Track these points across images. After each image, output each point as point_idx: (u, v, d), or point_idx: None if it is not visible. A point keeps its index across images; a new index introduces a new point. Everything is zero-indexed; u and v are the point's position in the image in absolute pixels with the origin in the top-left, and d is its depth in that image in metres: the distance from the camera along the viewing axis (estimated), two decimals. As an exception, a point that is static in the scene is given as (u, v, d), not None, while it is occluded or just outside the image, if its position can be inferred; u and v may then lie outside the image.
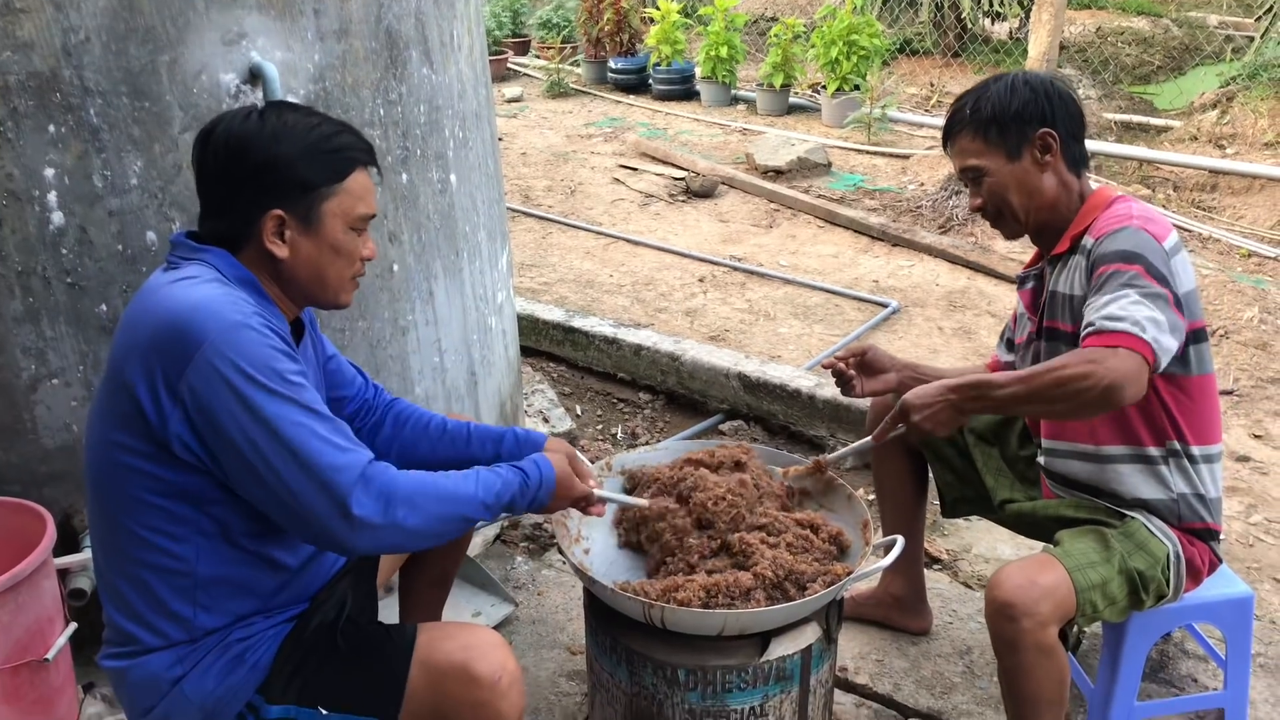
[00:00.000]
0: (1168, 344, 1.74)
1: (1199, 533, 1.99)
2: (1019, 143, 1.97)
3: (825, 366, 2.28)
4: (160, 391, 1.45)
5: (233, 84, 2.08)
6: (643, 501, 2.08)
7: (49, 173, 1.95)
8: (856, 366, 2.25)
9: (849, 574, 1.90)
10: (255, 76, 2.10)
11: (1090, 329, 1.75)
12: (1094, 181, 2.06)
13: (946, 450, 2.32)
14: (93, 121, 1.95)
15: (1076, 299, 1.94)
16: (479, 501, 1.61)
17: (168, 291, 1.49)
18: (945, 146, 2.09)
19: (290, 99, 2.15)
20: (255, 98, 2.11)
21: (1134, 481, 1.98)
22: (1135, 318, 1.72)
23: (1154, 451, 1.96)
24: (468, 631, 1.66)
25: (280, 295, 1.63)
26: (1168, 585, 1.93)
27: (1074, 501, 2.08)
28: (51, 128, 1.93)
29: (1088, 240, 1.92)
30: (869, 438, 2.10)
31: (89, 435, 1.57)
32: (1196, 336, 1.91)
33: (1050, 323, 2.04)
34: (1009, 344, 2.28)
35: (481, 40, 2.86)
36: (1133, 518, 1.97)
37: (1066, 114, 1.98)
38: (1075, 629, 1.89)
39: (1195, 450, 1.95)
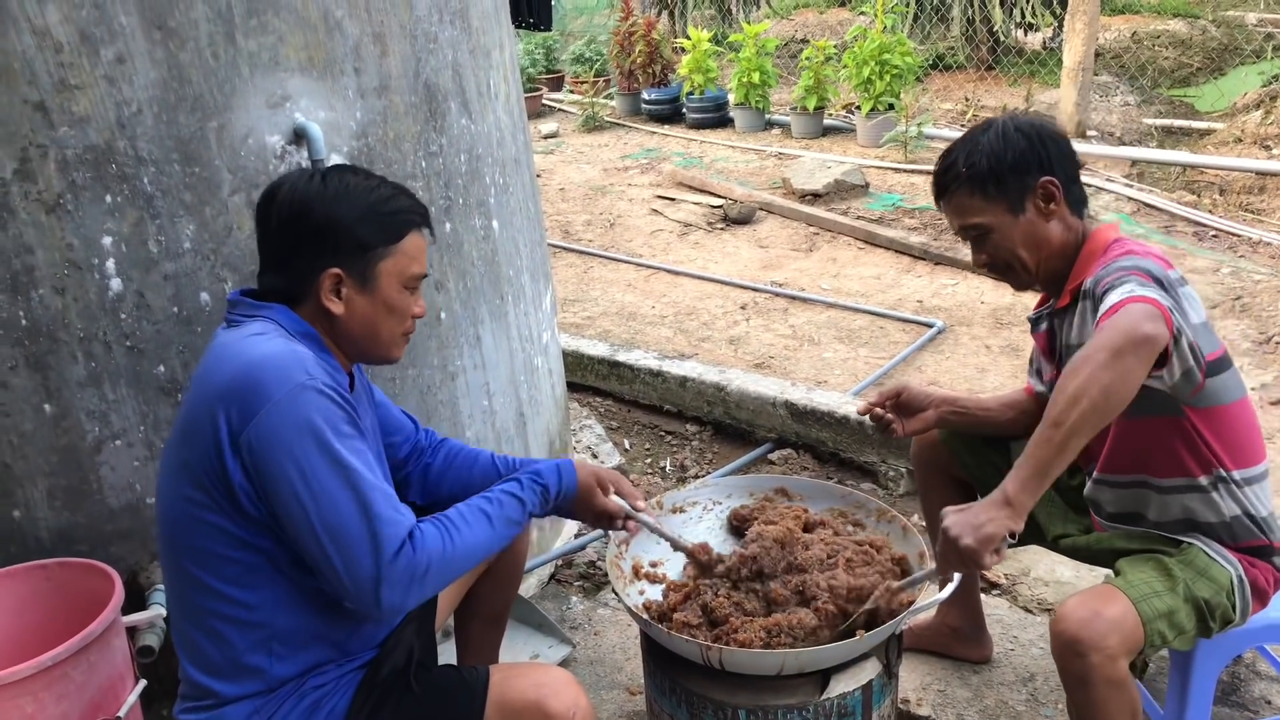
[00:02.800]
0: (1173, 307, 1.65)
1: (1259, 551, 1.95)
2: (1020, 194, 1.92)
3: (861, 413, 2.26)
4: (225, 444, 1.50)
5: (278, 145, 2.14)
6: (677, 538, 2.04)
7: (107, 241, 2.01)
8: (893, 408, 2.23)
9: (908, 606, 1.88)
10: (300, 137, 2.15)
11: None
12: (1099, 214, 2.01)
13: (994, 483, 2.29)
14: (147, 189, 2.01)
15: None
16: (500, 539, 1.70)
17: (238, 347, 1.56)
18: (938, 203, 2.03)
19: (334, 156, 2.21)
20: (300, 157, 2.16)
21: (1189, 507, 1.95)
22: (1131, 289, 1.66)
23: (1204, 480, 1.92)
24: (539, 670, 1.69)
25: (336, 350, 1.69)
26: (1234, 610, 1.89)
27: (1126, 533, 2.05)
28: (108, 197, 1.99)
29: (1088, 283, 1.87)
30: (932, 571, 1.83)
31: (161, 491, 1.63)
32: (1218, 366, 1.86)
33: None
34: (1038, 374, 2.26)
35: (518, 87, 2.90)
36: (1189, 543, 1.94)
37: (1062, 156, 1.93)
38: (1142, 656, 1.86)
39: (1237, 474, 1.91)
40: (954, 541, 1.63)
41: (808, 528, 2.14)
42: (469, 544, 1.63)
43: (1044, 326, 2.12)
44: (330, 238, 1.62)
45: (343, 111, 2.22)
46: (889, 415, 2.23)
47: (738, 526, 2.23)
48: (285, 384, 1.50)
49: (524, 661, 1.97)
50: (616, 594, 2.02)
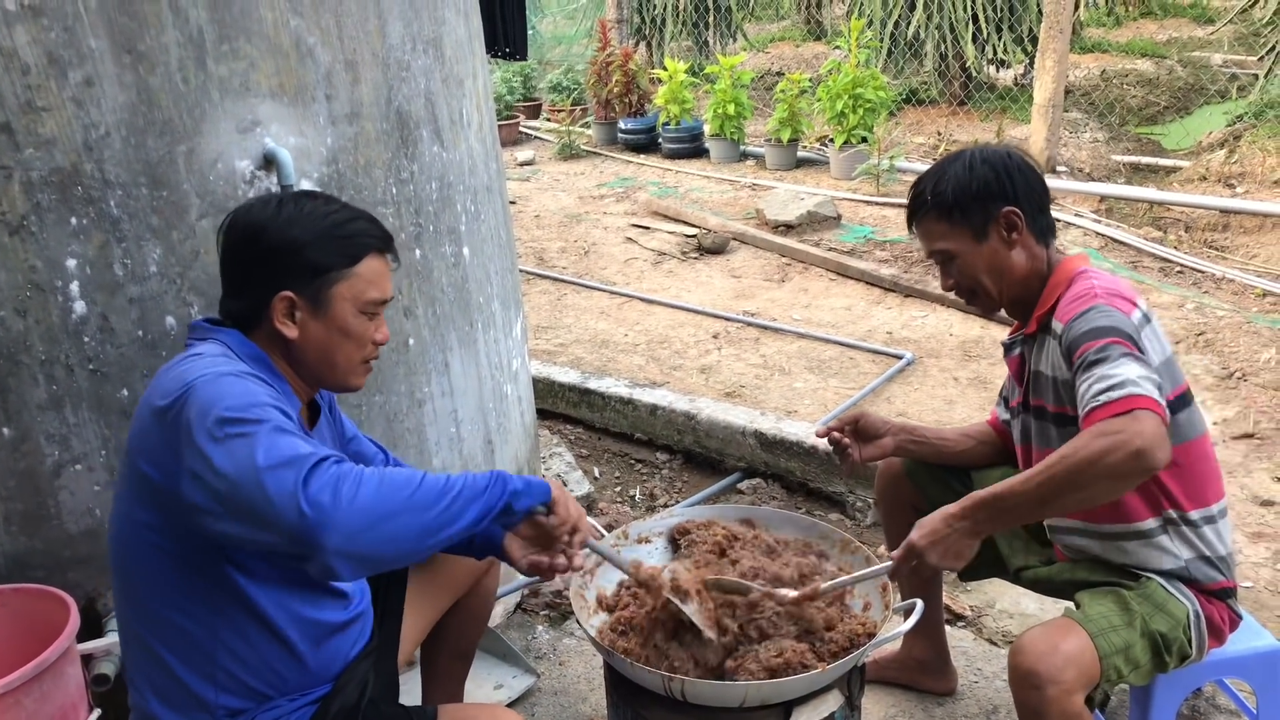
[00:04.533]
0: (1158, 386, 1.68)
1: (1215, 592, 1.97)
2: (984, 223, 1.97)
3: (819, 435, 2.28)
4: (165, 458, 1.47)
5: (248, 170, 2.13)
6: (627, 564, 1.97)
7: (71, 263, 1.99)
8: (851, 434, 2.26)
9: (870, 639, 1.89)
10: (269, 162, 2.15)
11: (1094, 406, 1.67)
12: (1067, 248, 2.05)
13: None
14: (113, 212, 2.00)
15: (1058, 380, 1.94)
16: (451, 496, 1.50)
17: (178, 366, 1.56)
18: (910, 228, 2.09)
19: (304, 182, 2.20)
20: (270, 183, 2.16)
21: (1140, 555, 1.97)
22: (1131, 376, 1.66)
23: (1150, 524, 1.94)
24: (487, 713, 1.67)
25: (293, 376, 1.67)
26: (1190, 645, 1.91)
27: (1088, 564, 2.06)
28: (74, 220, 1.97)
29: (1056, 324, 1.91)
30: (882, 566, 1.93)
31: (113, 516, 1.61)
32: (1179, 404, 1.89)
33: (1036, 401, 2.04)
34: (1005, 402, 2.29)
35: (491, 116, 2.92)
36: (1149, 578, 1.96)
37: (1028, 187, 1.97)
38: (1100, 689, 1.87)
39: (1194, 514, 1.93)
40: (922, 553, 1.79)
41: (729, 544, 2.19)
42: (410, 477, 1.48)
43: (1016, 352, 2.15)
44: (282, 260, 1.61)
45: (313, 137, 2.22)
46: (846, 440, 2.25)
47: (676, 539, 2.26)
48: (205, 376, 1.48)
49: (476, 703, 1.95)
50: (580, 624, 2.01)
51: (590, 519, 1.90)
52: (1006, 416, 2.27)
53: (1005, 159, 1.98)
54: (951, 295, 5.35)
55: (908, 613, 1.90)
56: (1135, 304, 1.87)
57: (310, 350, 1.65)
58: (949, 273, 2.05)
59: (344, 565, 1.41)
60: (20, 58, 1.85)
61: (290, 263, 1.60)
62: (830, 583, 1.99)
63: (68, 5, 1.87)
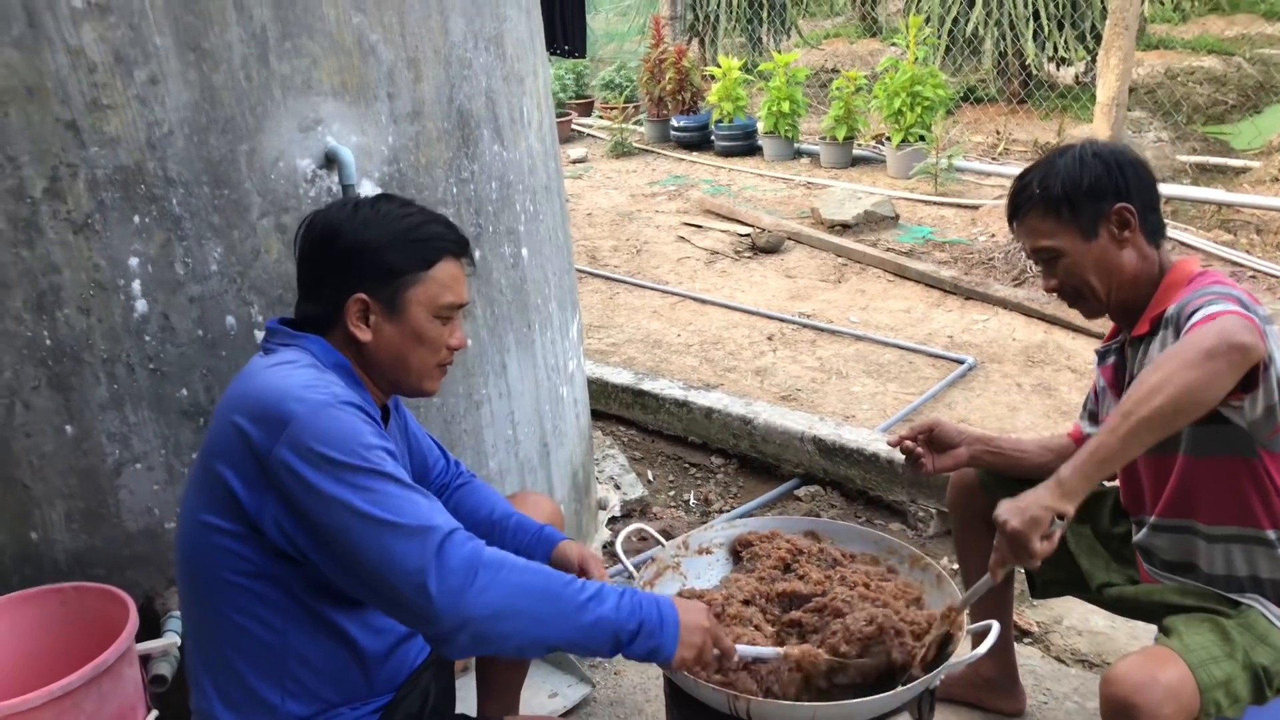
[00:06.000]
0: (1266, 332, 1.64)
1: None
2: (1094, 220, 1.88)
3: (892, 444, 2.20)
4: (252, 473, 1.45)
5: (309, 169, 2.11)
6: (778, 651, 1.81)
7: (133, 262, 1.99)
8: (925, 443, 2.17)
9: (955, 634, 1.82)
10: (331, 161, 2.13)
11: (1185, 329, 1.66)
12: (1173, 253, 1.96)
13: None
14: (175, 211, 1.99)
15: None
16: (584, 600, 1.46)
17: (264, 377, 1.52)
18: (1011, 225, 2.00)
19: (365, 181, 2.18)
20: (331, 182, 2.14)
21: (1251, 562, 1.87)
22: (1223, 306, 1.64)
23: (1271, 534, 1.84)
24: None
25: (369, 382, 1.66)
26: None
27: (1179, 586, 1.97)
28: (136, 218, 1.96)
29: (1170, 310, 1.82)
30: (983, 582, 1.80)
31: (182, 518, 1.59)
32: None
33: None
34: (1092, 416, 2.19)
35: (550, 114, 2.88)
36: (1249, 606, 1.86)
37: (1140, 184, 1.89)
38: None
39: None
40: (1002, 527, 1.62)
41: (794, 559, 2.12)
42: (545, 573, 1.47)
43: (1111, 360, 2.06)
44: (357, 263, 1.59)
45: (375, 136, 2.20)
46: (919, 450, 2.17)
47: (738, 551, 2.20)
48: (307, 405, 1.45)
49: (537, 715, 1.91)
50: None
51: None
52: (1090, 430, 2.18)
53: (1117, 154, 1.90)
54: (1014, 298, 5.18)
55: (982, 635, 1.83)
56: (1257, 301, 1.79)
57: (384, 354, 1.63)
58: (1053, 273, 1.94)
59: (455, 647, 1.41)
60: (87, 55, 1.85)
61: (365, 265, 1.59)
62: (960, 599, 1.88)
63: (134, 3, 1.86)
